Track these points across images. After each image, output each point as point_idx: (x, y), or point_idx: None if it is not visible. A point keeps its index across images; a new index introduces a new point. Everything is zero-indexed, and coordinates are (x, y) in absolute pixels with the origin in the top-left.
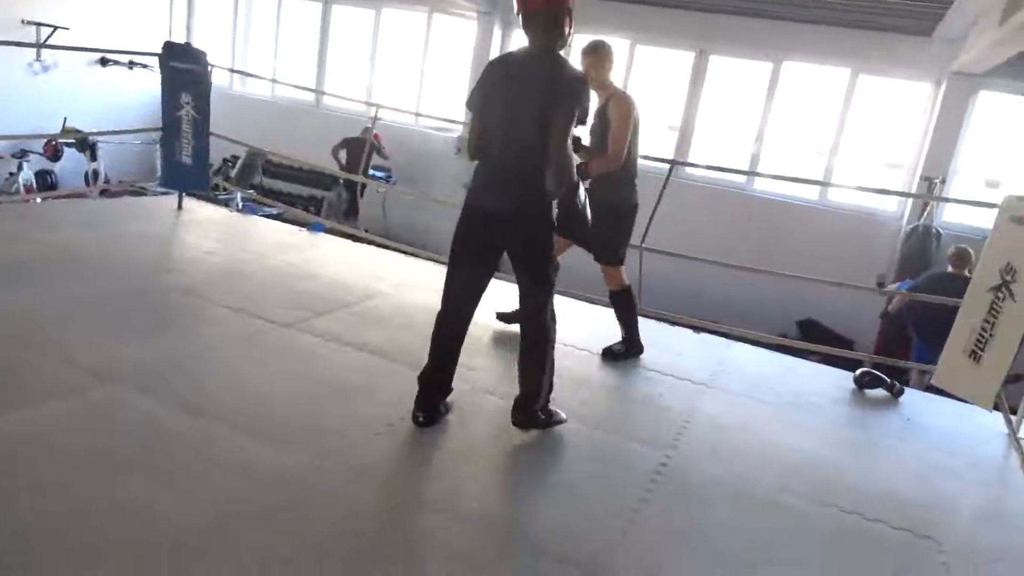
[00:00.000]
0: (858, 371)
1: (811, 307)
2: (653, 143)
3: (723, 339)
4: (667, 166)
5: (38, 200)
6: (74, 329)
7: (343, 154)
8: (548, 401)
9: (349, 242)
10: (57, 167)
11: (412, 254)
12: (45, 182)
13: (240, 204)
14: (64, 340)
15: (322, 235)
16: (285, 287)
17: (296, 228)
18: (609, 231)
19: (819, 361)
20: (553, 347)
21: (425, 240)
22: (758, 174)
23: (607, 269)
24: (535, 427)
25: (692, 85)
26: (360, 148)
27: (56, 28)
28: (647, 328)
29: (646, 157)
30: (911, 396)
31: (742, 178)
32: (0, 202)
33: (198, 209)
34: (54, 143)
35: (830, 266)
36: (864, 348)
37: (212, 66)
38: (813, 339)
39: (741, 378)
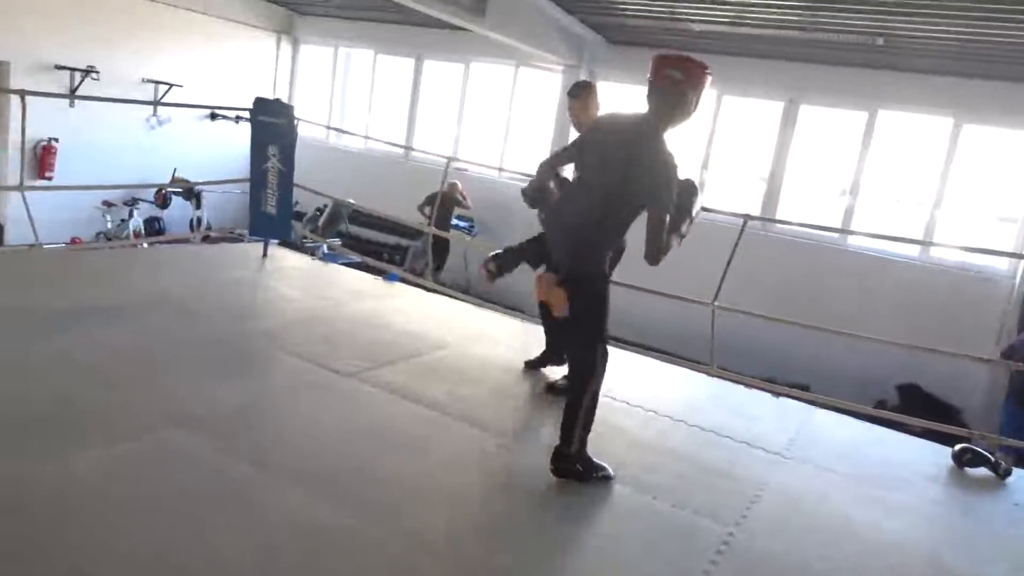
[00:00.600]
0: (958, 446)
1: (912, 370)
2: (740, 194)
3: (805, 405)
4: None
5: (145, 245)
6: (156, 372)
7: (427, 209)
8: (584, 447)
9: (422, 292)
10: (165, 214)
11: (485, 306)
12: (153, 228)
13: (323, 253)
14: (138, 383)
15: (397, 284)
16: (355, 335)
17: (373, 277)
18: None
19: (918, 433)
20: (595, 388)
21: (505, 292)
22: (847, 231)
23: None
24: (571, 477)
25: (781, 135)
26: (443, 202)
27: (172, 86)
28: (720, 390)
29: (722, 212)
30: (1021, 478)
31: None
32: (112, 247)
33: (283, 257)
34: (163, 192)
35: (934, 327)
36: (973, 418)
37: (298, 120)
38: (914, 406)
39: (822, 448)
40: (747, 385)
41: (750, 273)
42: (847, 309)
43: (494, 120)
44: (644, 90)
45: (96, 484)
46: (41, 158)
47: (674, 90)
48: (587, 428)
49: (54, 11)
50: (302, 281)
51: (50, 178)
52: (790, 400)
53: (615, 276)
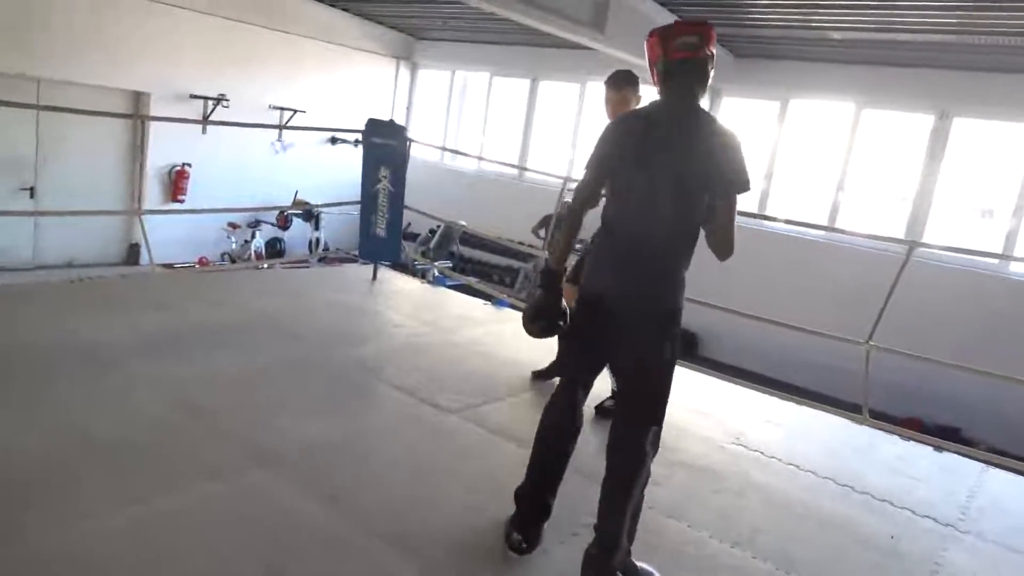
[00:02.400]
0: None
1: None
2: (880, 216)
3: (976, 463)
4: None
5: (265, 266)
6: (246, 401)
7: (542, 232)
8: (628, 555)
9: None
10: (286, 235)
11: None
12: (274, 249)
13: (433, 275)
14: (234, 413)
15: (507, 310)
16: (460, 366)
17: (482, 302)
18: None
19: None
20: (645, 484)
21: None
22: (1011, 257)
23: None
24: None
25: (930, 151)
26: (557, 223)
27: (296, 111)
28: (870, 440)
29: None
30: None
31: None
32: (234, 268)
33: (393, 279)
34: (285, 213)
35: None
36: None
37: (411, 141)
38: None
39: (1005, 521)
40: (903, 436)
41: (898, 303)
42: (1010, 344)
43: None
44: (769, 104)
45: (168, 529)
46: (175, 181)
47: (697, 57)
48: (633, 532)
49: (189, 45)
50: (409, 305)
51: (182, 200)
52: (956, 455)
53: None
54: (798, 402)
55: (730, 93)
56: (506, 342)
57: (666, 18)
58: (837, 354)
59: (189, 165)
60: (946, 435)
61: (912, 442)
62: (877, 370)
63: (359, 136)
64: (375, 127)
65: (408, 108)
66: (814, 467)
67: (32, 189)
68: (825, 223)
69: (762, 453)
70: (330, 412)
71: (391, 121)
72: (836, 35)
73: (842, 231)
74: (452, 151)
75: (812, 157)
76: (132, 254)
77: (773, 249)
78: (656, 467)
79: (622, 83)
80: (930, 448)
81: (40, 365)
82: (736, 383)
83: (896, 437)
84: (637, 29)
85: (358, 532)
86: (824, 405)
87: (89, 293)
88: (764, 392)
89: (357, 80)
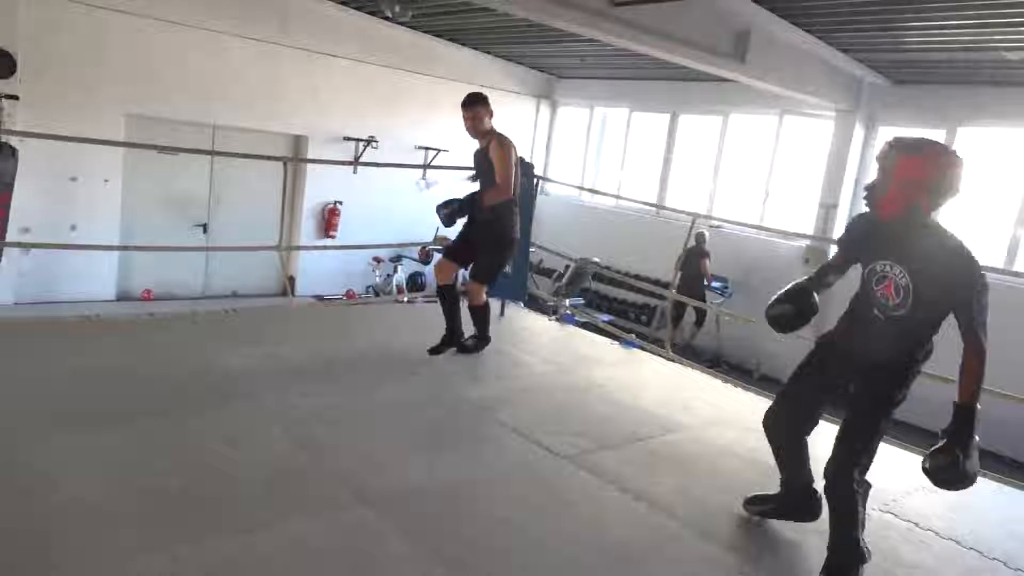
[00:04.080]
0: None
1: None
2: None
3: None
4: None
5: (405, 299)
6: (359, 438)
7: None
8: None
9: (662, 361)
10: (427, 270)
11: (732, 381)
12: (415, 283)
13: (563, 313)
14: (344, 449)
15: (636, 351)
16: (579, 408)
17: (609, 341)
18: (495, 257)
19: None
20: (860, 520)
21: (760, 359)
22: None
23: (475, 287)
24: None
25: None
26: (693, 258)
27: (440, 151)
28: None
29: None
30: None
31: None
32: (378, 301)
33: (521, 317)
34: (427, 249)
35: None
36: None
37: (539, 179)
38: None
39: None
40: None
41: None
42: None
43: (754, 173)
44: (934, 133)
45: (257, 566)
46: (328, 218)
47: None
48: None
49: (343, 91)
50: (534, 344)
51: (334, 236)
52: None
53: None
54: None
55: (887, 122)
56: (633, 385)
57: (812, 46)
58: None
59: (341, 203)
60: None
61: None
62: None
63: None
64: None
65: (548, 145)
66: (979, 545)
67: (205, 226)
68: (1001, 264)
69: (916, 525)
70: (438, 451)
71: (520, 159)
72: (1011, 56)
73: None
74: (588, 190)
75: (985, 190)
76: (287, 287)
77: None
78: (791, 532)
79: (476, 102)
80: None
81: (173, 392)
82: (893, 442)
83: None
84: (781, 57)
85: None
86: (998, 474)
87: (236, 323)
88: (921, 452)
89: (499, 119)
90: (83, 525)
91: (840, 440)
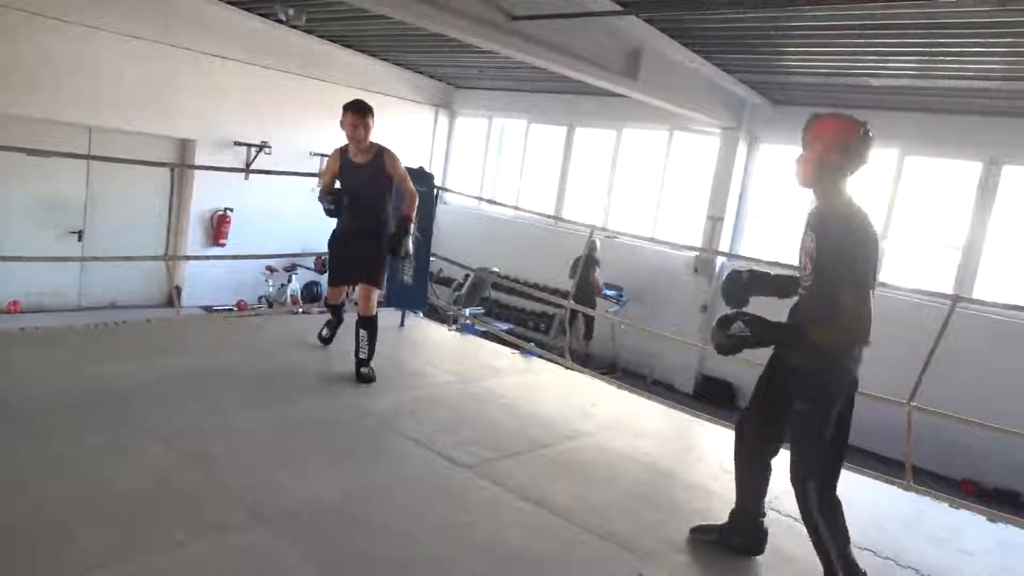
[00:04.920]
0: None
1: None
2: (926, 267)
3: None
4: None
5: (300, 310)
6: (255, 455)
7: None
8: (849, 570)
9: (561, 370)
10: (322, 279)
11: (627, 387)
12: (311, 292)
13: (462, 323)
14: (241, 466)
15: (535, 360)
16: (480, 418)
17: (510, 351)
18: (384, 263)
19: None
20: (829, 539)
21: (652, 365)
22: None
23: (372, 293)
24: None
25: (979, 199)
26: (586, 270)
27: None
28: (916, 508)
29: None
30: None
31: None
32: (272, 312)
33: (420, 327)
34: (322, 259)
35: None
36: None
37: (438, 188)
38: None
39: None
40: (953, 504)
41: (947, 356)
42: None
43: (646, 186)
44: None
45: None
46: (217, 226)
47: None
48: (848, 570)
49: (234, 94)
50: (434, 354)
51: (223, 244)
52: (1011, 527)
53: None
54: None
55: (768, 140)
56: (533, 394)
57: (699, 65)
58: (882, 409)
59: (231, 210)
60: (1003, 499)
61: (963, 511)
62: (928, 427)
63: None
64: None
65: (446, 155)
66: (853, 538)
67: (80, 233)
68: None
69: (795, 519)
70: (338, 466)
71: (420, 168)
72: (875, 82)
73: (885, 285)
74: (487, 200)
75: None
76: (173, 297)
77: None
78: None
79: (368, 112)
80: (983, 518)
81: (58, 409)
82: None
83: (945, 505)
84: (671, 76)
85: None
86: (865, 469)
87: (118, 337)
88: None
89: (396, 128)
90: None
91: (790, 456)
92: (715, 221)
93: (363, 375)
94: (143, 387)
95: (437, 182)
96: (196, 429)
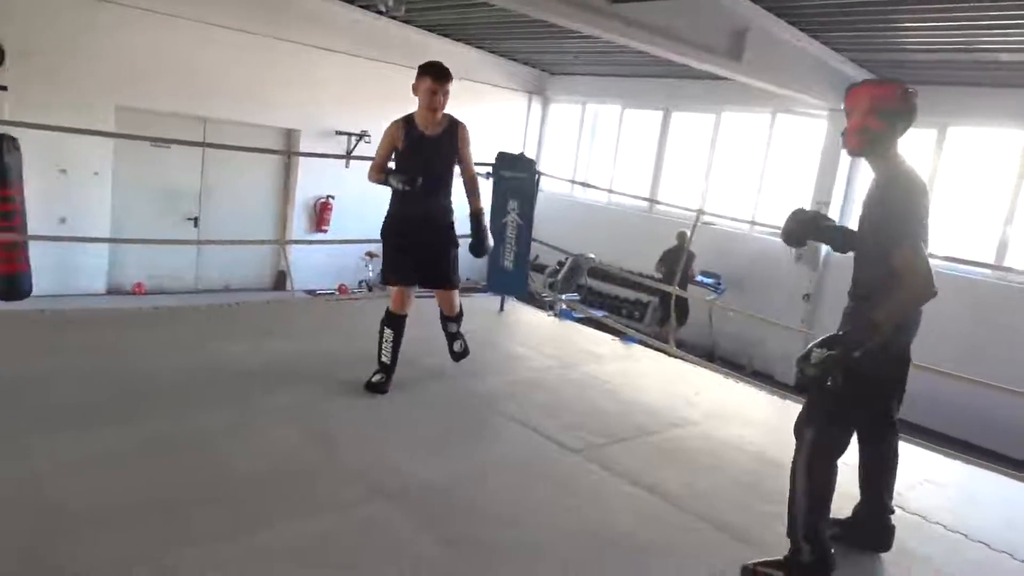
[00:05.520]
0: None
1: None
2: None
3: None
4: None
5: None
6: (372, 437)
7: (662, 268)
8: (812, 537)
9: (663, 356)
10: None
11: (732, 375)
12: None
13: (560, 309)
14: (358, 447)
15: (635, 347)
16: (583, 404)
17: (610, 337)
18: (458, 257)
19: None
20: (812, 469)
21: (752, 353)
22: None
23: (455, 294)
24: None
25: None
26: (677, 258)
27: None
28: None
29: None
30: None
31: None
32: (372, 296)
33: (519, 312)
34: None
35: None
36: None
37: (539, 174)
38: None
39: None
40: None
41: None
42: None
43: (747, 171)
44: (923, 132)
45: (282, 559)
46: (320, 213)
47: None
48: (811, 537)
49: (335, 85)
50: (534, 339)
51: (325, 231)
52: None
53: None
54: (967, 461)
55: None
56: (635, 381)
57: (807, 44)
58: (1018, 406)
59: (333, 197)
60: None
61: None
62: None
63: (490, 169)
64: (505, 160)
65: (540, 142)
66: (986, 538)
67: (196, 219)
68: (992, 261)
69: (924, 519)
70: (449, 446)
71: (521, 154)
72: (1005, 57)
73: (1012, 270)
74: (582, 184)
75: (976, 189)
76: (280, 280)
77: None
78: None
79: (446, 74)
80: None
81: (178, 388)
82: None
83: None
84: (777, 56)
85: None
86: (998, 466)
87: (235, 318)
88: (926, 448)
89: (491, 115)
90: (76, 530)
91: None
92: (821, 206)
93: (456, 352)
94: (265, 367)
95: None
96: (315, 409)
